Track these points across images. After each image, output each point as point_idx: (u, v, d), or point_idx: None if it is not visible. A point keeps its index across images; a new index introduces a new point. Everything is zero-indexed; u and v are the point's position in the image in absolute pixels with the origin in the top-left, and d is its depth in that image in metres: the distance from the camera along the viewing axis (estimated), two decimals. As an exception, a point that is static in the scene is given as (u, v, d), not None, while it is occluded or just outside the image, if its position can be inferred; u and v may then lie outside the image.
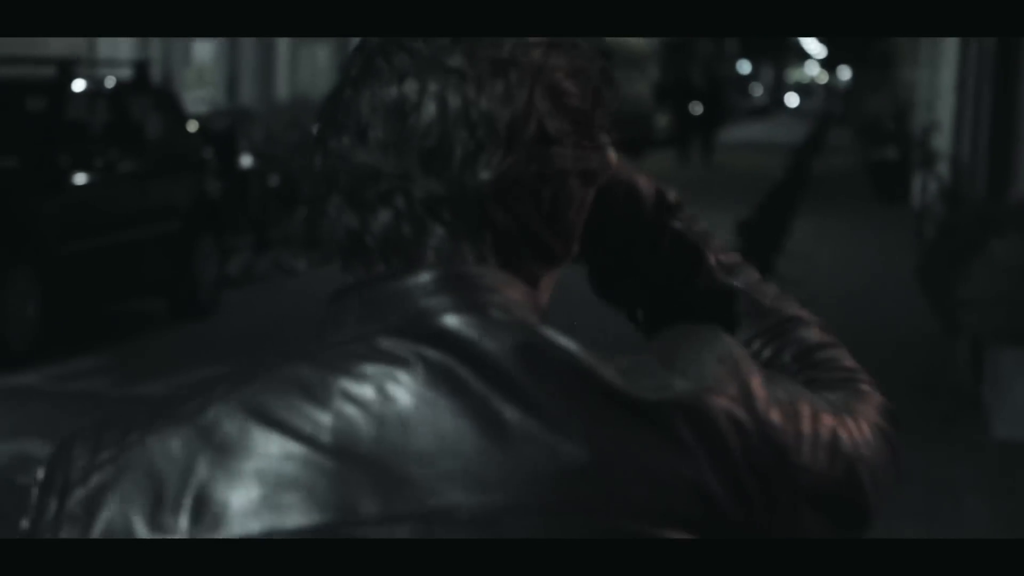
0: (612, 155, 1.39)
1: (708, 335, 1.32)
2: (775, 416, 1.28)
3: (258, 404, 1.22)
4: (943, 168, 19.35)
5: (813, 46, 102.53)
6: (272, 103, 24.98)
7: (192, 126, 13.17)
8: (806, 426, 1.31)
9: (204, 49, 23.12)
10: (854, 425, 1.36)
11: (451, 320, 1.24)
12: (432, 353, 1.23)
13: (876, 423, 1.39)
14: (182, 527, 1.20)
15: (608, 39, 35.28)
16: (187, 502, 1.20)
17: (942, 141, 21.21)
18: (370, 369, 1.23)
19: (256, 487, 1.19)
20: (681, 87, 38.11)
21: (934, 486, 7.85)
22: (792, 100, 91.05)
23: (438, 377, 1.22)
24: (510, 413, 1.21)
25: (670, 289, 1.52)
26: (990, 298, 8.68)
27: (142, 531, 1.20)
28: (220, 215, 12.90)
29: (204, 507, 1.20)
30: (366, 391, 1.22)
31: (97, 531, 1.21)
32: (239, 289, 13.82)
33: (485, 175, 1.26)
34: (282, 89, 26.32)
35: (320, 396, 1.22)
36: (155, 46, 21.61)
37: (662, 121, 39.76)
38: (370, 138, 1.28)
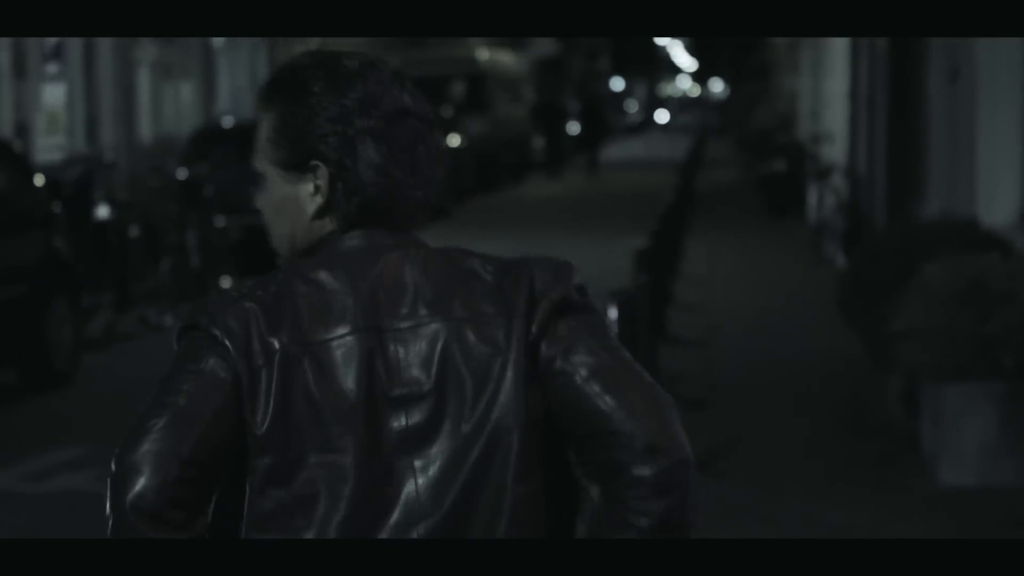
0: None
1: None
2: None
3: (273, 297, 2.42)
4: (838, 180, 18.65)
5: (683, 59, 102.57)
6: (134, 146, 23.80)
7: (38, 179, 12.09)
8: None
9: (56, 92, 21.86)
10: None
11: (350, 242, 2.44)
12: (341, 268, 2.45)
13: None
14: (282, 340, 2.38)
15: (483, 64, 34.45)
16: (287, 325, 2.38)
17: (835, 152, 20.55)
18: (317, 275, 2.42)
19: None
20: (552, 108, 37.90)
21: (885, 547, 6.98)
22: (662, 116, 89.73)
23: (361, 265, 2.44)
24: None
25: None
26: (927, 329, 7.83)
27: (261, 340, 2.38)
28: (74, 273, 11.82)
29: (292, 335, 2.38)
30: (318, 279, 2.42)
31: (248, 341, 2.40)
32: (101, 352, 12.70)
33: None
34: (145, 130, 25.14)
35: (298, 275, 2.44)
36: (5, 90, 20.36)
37: (539, 143, 38.97)
38: None
